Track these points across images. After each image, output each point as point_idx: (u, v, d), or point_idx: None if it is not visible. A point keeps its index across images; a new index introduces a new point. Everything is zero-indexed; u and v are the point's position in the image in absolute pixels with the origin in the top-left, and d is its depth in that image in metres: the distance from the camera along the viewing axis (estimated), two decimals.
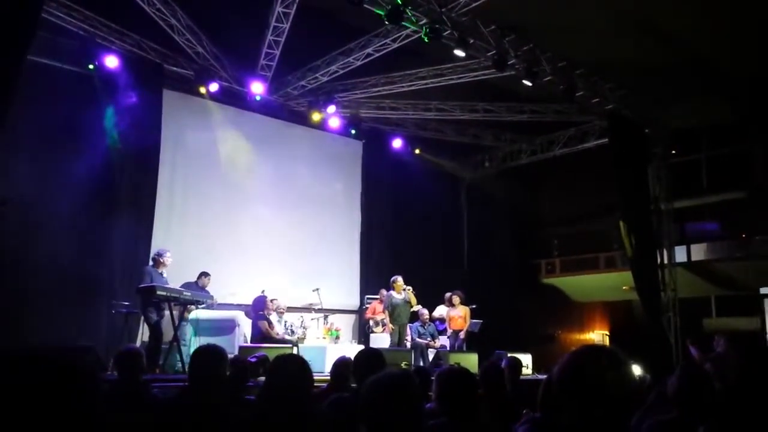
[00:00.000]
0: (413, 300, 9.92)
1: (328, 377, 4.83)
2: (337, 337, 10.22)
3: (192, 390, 3.31)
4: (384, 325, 10.28)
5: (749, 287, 13.76)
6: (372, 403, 2.44)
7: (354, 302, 12.41)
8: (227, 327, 9.29)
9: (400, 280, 9.89)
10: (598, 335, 16.45)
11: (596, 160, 12.71)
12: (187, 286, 8.66)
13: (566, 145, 13.48)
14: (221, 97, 10.80)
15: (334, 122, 11.99)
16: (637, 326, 13.50)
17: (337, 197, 12.72)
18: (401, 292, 9.81)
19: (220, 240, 10.61)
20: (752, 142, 14.26)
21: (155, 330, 7.92)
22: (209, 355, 3.37)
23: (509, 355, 6.38)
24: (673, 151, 13.15)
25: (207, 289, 9.20)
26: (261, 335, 8.96)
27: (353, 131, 12.51)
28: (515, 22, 9.68)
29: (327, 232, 12.26)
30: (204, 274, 9.16)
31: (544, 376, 3.83)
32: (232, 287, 9.77)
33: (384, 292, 10.41)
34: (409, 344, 10.06)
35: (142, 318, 8.24)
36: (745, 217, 14.02)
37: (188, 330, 8.69)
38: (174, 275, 8.76)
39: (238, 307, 9.67)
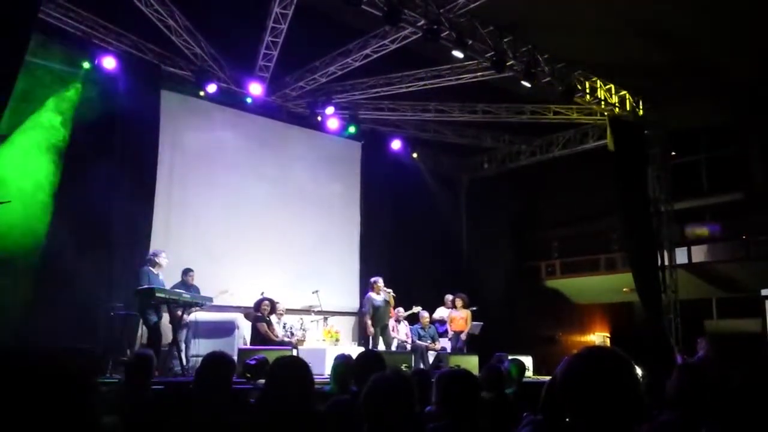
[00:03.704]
0: (392, 301, 9.89)
1: (328, 379, 4.79)
2: (337, 340, 10.17)
3: (196, 395, 3.31)
4: (368, 327, 10.14)
5: (750, 289, 13.72)
6: (371, 404, 2.41)
7: (354, 304, 12.35)
8: (226, 329, 9.26)
9: (380, 281, 9.83)
10: (598, 337, 16.41)
11: (596, 161, 12.68)
12: (175, 287, 8.53)
13: (565, 146, 13.46)
14: (219, 98, 10.77)
15: (333, 123, 11.97)
16: (638, 328, 13.46)
17: (336, 199, 12.68)
18: (380, 293, 9.74)
19: (219, 241, 10.57)
20: (751, 144, 14.26)
21: (154, 332, 7.88)
22: (218, 363, 3.36)
23: (513, 357, 6.33)
24: (673, 153, 13.13)
25: (198, 287, 9.06)
26: (260, 337, 8.91)
27: (352, 132, 12.48)
28: (514, 22, 9.66)
29: (326, 233, 12.21)
30: (186, 272, 8.89)
31: (546, 378, 3.80)
32: (231, 289, 9.71)
33: (367, 293, 10.33)
34: (409, 346, 10.03)
35: (141, 320, 8.20)
36: (746, 218, 14.01)
37: (185, 333, 8.62)
38: (173, 277, 8.73)
39: (237, 309, 9.62)
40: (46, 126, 8.54)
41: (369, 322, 9.59)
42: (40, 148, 8.46)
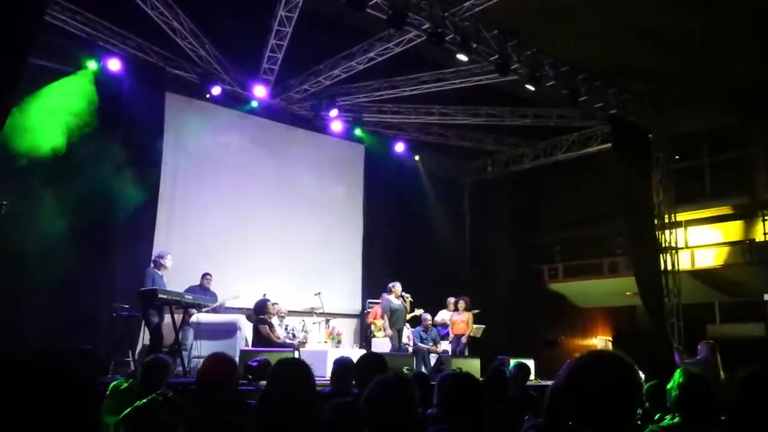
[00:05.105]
0: (408, 306, 9.97)
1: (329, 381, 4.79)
2: (339, 342, 10.17)
3: (198, 396, 3.31)
4: (387, 329, 10.21)
5: (753, 293, 13.68)
6: (372, 406, 2.41)
7: (356, 306, 12.37)
8: (228, 330, 9.25)
9: (398, 286, 9.86)
10: (601, 341, 16.36)
11: (599, 164, 12.65)
12: (191, 290, 8.66)
13: (569, 149, 13.45)
14: (224, 101, 10.80)
15: (337, 126, 11.99)
16: (641, 332, 13.41)
17: (339, 201, 12.70)
18: (398, 297, 9.77)
19: (222, 243, 10.59)
20: (754, 147, 14.22)
21: (155, 333, 7.90)
22: (222, 363, 3.37)
23: (518, 360, 6.34)
24: (676, 157, 13.12)
25: (212, 290, 9.20)
26: (262, 339, 8.92)
27: (356, 135, 12.50)
28: (518, 26, 9.67)
29: (329, 235, 12.23)
30: (204, 276, 9.16)
31: (549, 382, 3.79)
32: (234, 291, 9.74)
33: (385, 296, 10.37)
34: (411, 348, 10.03)
35: (143, 321, 8.22)
36: (749, 222, 13.97)
37: (190, 334, 8.65)
38: (176, 279, 8.75)
39: (240, 310, 9.64)
40: (49, 125, 8.54)
41: (388, 324, 9.59)
42: (41, 147, 8.46)
